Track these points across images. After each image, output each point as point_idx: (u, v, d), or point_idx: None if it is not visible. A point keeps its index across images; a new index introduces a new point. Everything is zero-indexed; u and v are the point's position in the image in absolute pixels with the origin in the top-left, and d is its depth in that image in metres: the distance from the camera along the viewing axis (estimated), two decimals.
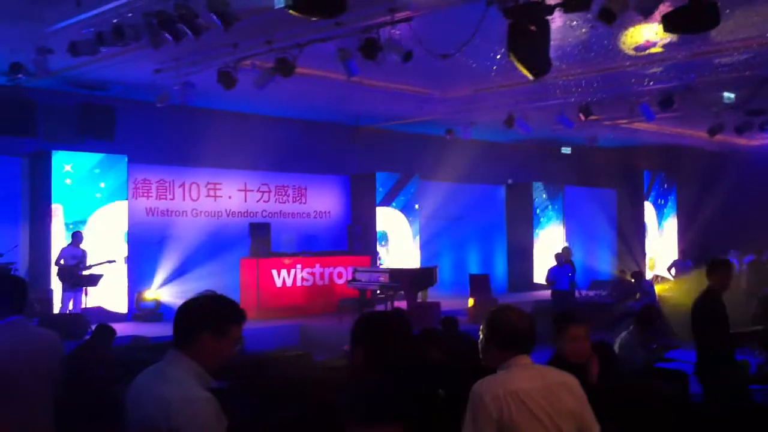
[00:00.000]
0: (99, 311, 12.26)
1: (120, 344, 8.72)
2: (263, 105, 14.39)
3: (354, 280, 14.18)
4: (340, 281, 15.06)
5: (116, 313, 12.88)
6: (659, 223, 21.42)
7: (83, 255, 12.13)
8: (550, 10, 7.03)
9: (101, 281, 12.20)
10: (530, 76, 7.19)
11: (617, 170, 20.97)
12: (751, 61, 11.09)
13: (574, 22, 9.26)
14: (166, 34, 8.09)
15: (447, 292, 15.92)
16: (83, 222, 12.79)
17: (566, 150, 19.39)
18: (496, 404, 2.95)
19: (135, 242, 13.55)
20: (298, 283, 14.66)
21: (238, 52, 9.98)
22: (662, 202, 21.55)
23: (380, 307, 12.64)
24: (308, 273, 14.81)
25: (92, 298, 12.40)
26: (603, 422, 3.17)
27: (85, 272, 12.05)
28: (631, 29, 9.73)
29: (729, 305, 6.26)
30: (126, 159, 13.42)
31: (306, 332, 12.79)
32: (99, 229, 12.86)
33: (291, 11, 6.97)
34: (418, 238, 17.45)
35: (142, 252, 13.76)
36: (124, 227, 13.38)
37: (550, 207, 19.98)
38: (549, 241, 19.31)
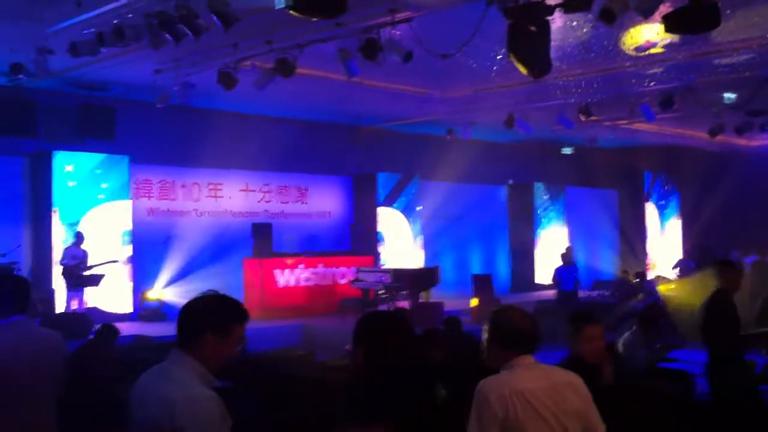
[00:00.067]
0: (102, 311, 12.27)
1: (123, 344, 8.72)
2: (263, 105, 14.39)
3: (357, 280, 14.18)
4: (343, 281, 15.08)
5: (118, 313, 12.86)
6: (661, 224, 21.43)
7: (84, 255, 12.14)
8: (551, 10, 7.03)
9: (103, 281, 12.22)
10: (530, 77, 7.19)
11: (618, 171, 20.98)
12: (752, 61, 11.10)
13: (575, 23, 9.26)
14: (167, 35, 8.09)
15: (450, 292, 15.90)
16: (77, 223, 12.74)
17: (567, 150, 19.40)
18: (501, 404, 2.95)
19: (138, 242, 13.56)
20: (301, 283, 14.69)
21: (238, 53, 9.97)
22: (664, 202, 21.56)
23: (383, 307, 12.64)
24: (311, 273, 14.84)
25: (95, 298, 12.42)
26: (611, 422, 3.17)
27: (87, 272, 12.07)
28: (632, 30, 9.73)
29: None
30: (127, 159, 13.44)
31: (308, 332, 12.80)
32: (92, 229, 12.75)
33: (291, 11, 6.97)
34: (420, 238, 17.46)
35: (145, 252, 13.77)
36: (120, 227, 13.31)
37: (551, 207, 19.99)
38: (550, 242, 19.33)
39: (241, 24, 7.82)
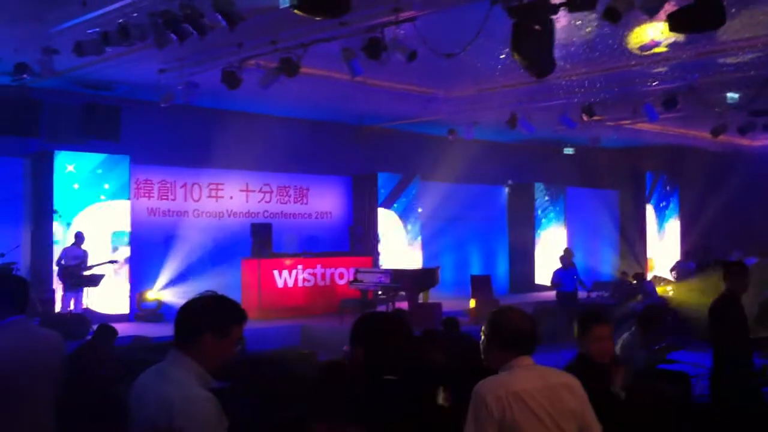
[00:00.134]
0: (98, 312, 12.26)
1: (121, 344, 8.74)
2: (267, 105, 14.38)
3: (356, 280, 14.15)
4: (342, 282, 15.05)
5: (115, 314, 12.83)
6: (660, 225, 21.34)
7: (84, 255, 12.14)
8: (555, 9, 7.01)
9: (102, 281, 12.22)
10: (533, 76, 7.18)
11: (620, 171, 20.91)
12: (756, 61, 11.06)
13: (579, 22, 9.23)
14: (171, 34, 8.10)
15: (448, 292, 15.87)
16: (69, 223, 12.72)
17: (569, 150, 19.35)
18: (498, 405, 2.96)
19: (137, 243, 13.56)
20: (300, 284, 14.66)
21: (242, 52, 9.97)
22: (663, 204, 21.48)
23: (381, 308, 12.64)
24: (310, 273, 14.81)
25: (94, 298, 12.42)
26: (611, 424, 3.16)
27: (87, 272, 12.07)
28: (636, 29, 9.70)
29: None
30: (128, 159, 13.43)
31: (307, 333, 12.80)
32: (86, 229, 12.64)
33: (296, 11, 6.97)
34: (419, 238, 17.43)
35: (144, 252, 13.76)
36: (115, 227, 13.29)
37: (551, 208, 19.95)
38: (550, 242, 19.29)
39: (245, 23, 7.82)
